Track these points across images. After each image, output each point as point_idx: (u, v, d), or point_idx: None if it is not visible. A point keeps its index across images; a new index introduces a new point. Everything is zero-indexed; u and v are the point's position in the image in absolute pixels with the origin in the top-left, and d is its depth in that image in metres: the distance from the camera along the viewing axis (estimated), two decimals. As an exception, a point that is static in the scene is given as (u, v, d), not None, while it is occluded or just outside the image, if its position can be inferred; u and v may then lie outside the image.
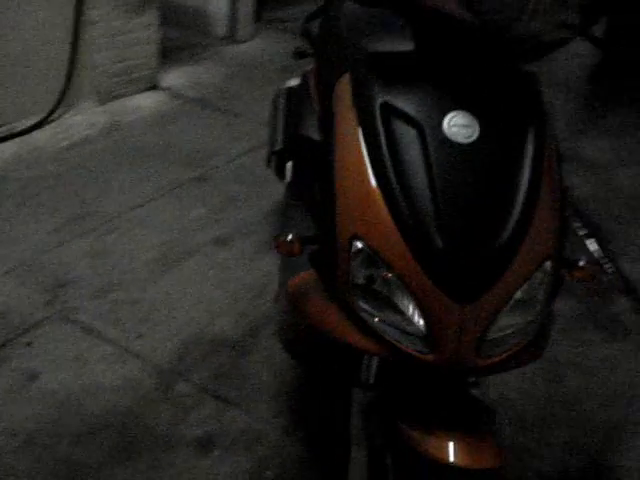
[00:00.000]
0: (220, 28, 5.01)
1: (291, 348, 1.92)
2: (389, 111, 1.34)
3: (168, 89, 4.23)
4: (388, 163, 1.30)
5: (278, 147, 2.40)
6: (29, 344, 2.36)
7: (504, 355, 1.30)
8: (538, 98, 1.43)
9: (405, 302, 1.27)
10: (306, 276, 1.52)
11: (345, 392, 1.68)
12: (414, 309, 1.27)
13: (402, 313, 1.28)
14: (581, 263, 1.36)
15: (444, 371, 1.30)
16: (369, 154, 1.33)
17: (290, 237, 1.40)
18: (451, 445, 1.28)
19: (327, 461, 2.04)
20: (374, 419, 1.51)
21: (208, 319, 2.53)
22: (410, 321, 1.28)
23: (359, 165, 1.33)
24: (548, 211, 1.32)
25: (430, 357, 1.27)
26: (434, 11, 1.33)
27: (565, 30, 1.28)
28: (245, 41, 5.06)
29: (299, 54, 2.77)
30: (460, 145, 1.30)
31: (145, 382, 2.26)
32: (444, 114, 1.32)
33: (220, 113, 4.05)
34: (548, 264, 1.30)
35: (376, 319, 1.30)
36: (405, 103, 1.34)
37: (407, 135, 1.32)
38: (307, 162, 1.92)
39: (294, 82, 2.67)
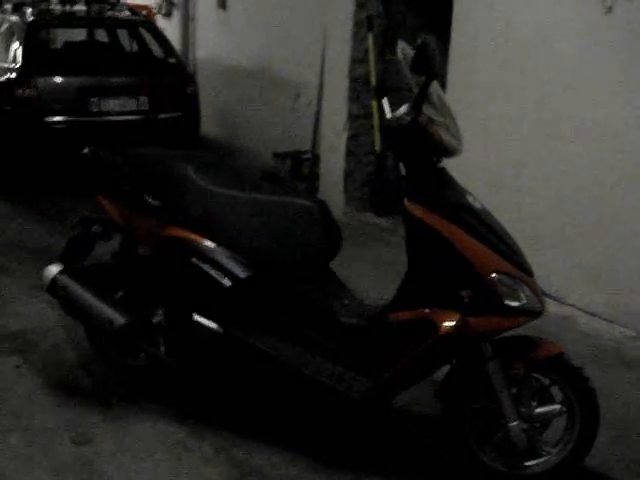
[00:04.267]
0: None
1: None
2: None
3: None
4: (484, 234, 2.52)
5: (124, 321, 2.94)
6: None
7: None
8: None
9: (524, 289, 2.50)
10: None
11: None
12: (527, 289, 2.52)
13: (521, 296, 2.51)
14: None
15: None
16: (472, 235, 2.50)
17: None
18: None
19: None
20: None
21: None
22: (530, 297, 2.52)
23: (471, 242, 2.49)
24: None
25: (541, 310, 2.55)
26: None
27: None
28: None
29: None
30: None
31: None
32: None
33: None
34: None
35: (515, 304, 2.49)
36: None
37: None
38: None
39: (57, 268, 3.13)
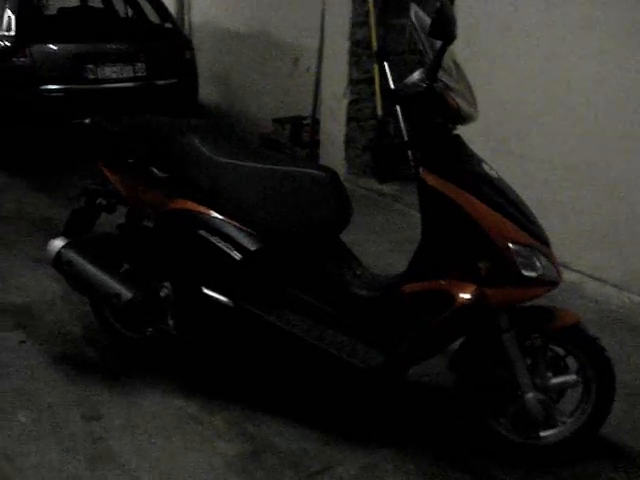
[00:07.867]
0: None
1: None
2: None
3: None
4: (501, 203, 2.45)
5: (132, 295, 2.92)
6: None
7: None
8: None
9: (541, 258, 2.45)
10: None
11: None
12: (544, 259, 2.48)
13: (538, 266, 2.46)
14: None
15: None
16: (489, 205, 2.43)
17: None
18: None
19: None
20: None
21: None
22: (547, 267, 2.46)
23: (487, 211, 2.42)
24: None
25: (558, 280, 2.51)
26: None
27: None
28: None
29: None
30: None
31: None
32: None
33: None
34: None
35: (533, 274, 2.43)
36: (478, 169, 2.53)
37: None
38: None
39: (61, 242, 3.07)
